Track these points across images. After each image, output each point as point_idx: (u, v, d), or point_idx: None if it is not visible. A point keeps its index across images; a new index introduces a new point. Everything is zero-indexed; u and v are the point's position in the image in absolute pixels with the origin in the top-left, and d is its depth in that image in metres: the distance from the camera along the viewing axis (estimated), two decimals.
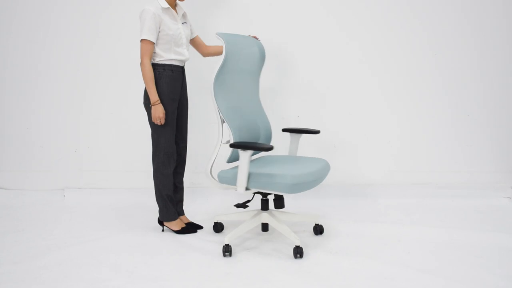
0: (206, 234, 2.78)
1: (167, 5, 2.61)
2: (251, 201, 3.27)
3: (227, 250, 2.45)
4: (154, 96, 2.57)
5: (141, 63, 2.56)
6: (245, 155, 2.34)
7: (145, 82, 2.57)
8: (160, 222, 2.85)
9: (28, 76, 3.54)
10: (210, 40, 3.20)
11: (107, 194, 3.50)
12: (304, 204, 3.31)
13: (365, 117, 3.53)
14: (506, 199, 3.38)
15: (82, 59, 3.50)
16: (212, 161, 2.53)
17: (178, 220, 2.83)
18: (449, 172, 3.56)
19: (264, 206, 2.66)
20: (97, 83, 3.52)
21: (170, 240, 2.68)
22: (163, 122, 2.61)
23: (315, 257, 2.42)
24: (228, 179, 2.45)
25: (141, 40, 2.56)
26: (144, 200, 3.35)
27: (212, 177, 2.53)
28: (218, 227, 2.82)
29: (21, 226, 2.96)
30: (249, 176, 2.38)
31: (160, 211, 2.81)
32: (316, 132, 2.83)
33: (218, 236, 2.76)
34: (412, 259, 2.38)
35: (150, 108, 2.62)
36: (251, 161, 2.63)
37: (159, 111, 2.58)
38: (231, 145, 2.38)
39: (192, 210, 3.16)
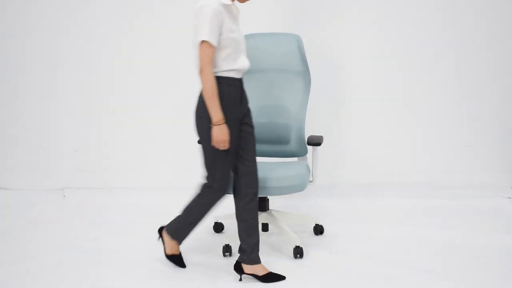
0: (206, 234, 2.78)
1: (229, 1, 2.07)
2: None
3: (227, 250, 2.45)
4: (217, 114, 2.04)
5: (201, 72, 2.03)
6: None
7: (206, 97, 2.03)
8: (160, 230, 2.40)
9: (28, 76, 3.53)
10: None
11: (107, 194, 3.49)
12: (304, 204, 3.31)
13: (364, 116, 3.52)
14: (506, 199, 3.37)
15: (82, 59, 3.49)
16: None
17: (175, 245, 2.33)
18: (449, 172, 3.55)
19: (264, 206, 2.66)
20: (97, 83, 3.52)
21: None
22: (227, 146, 2.07)
23: (315, 257, 2.41)
24: None
25: (201, 42, 2.01)
26: (143, 200, 3.35)
27: None
28: (218, 227, 2.82)
29: (21, 226, 2.95)
30: None
31: (175, 222, 2.30)
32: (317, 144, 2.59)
33: (218, 236, 2.76)
34: (412, 259, 2.38)
35: (209, 127, 2.07)
36: None
37: (223, 134, 2.05)
38: None
39: None
